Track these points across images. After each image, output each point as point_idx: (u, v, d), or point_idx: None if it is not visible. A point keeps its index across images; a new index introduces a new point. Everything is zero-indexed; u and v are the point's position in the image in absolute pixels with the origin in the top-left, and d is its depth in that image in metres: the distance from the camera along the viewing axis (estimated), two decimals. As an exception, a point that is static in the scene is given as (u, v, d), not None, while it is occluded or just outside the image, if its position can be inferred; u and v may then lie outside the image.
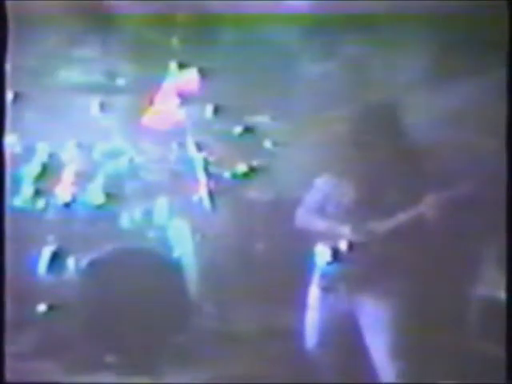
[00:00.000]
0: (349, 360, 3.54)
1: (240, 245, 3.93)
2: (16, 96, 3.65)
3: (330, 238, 3.54)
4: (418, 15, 3.67)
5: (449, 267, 3.47)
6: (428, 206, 3.48)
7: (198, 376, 3.64)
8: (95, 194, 3.93)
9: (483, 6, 3.54)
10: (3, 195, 3.39)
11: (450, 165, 3.55)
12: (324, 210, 3.60)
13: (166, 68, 4.01)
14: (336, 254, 3.53)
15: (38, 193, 3.86)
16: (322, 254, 3.57)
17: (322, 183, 3.64)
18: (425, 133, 3.61)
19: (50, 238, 3.82)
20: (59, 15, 3.85)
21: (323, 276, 3.58)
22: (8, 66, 3.03)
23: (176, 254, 3.98)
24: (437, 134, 3.62)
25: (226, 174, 3.89)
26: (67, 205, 3.91)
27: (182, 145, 3.97)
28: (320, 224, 3.60)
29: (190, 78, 4.00)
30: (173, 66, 3.99)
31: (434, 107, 3.67)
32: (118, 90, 4.11)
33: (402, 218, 3.49)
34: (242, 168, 3.86)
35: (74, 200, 3.92)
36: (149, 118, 4.11)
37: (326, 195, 3.61)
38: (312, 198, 3.65)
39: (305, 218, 3.65)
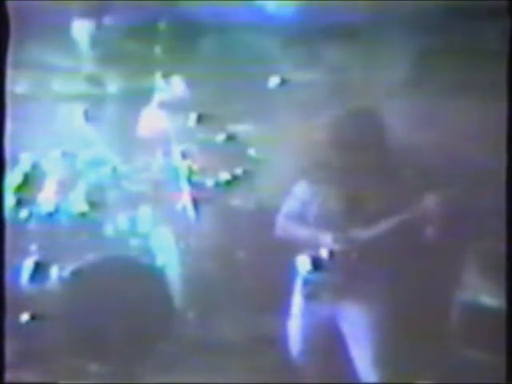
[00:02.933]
0: (333, 367, 3.55)
1: (224, 253, 3.93)
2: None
3: (312, 246, 3.56)
4: (404, 19, 3.69)
5: (432, 274, 3.48)
6: (411, 212, 3.50)
7: (181, 384, 3.65)
8: (78, 203, 3.93)
9: (482, 7, 3.57)
10: (2, 200, 3.39)
11: (432, 173, 3.57)
12: (306, 218, 3.61)
13: (149, 77, 4.01)
14: (318, 262, 3.54)
15: (20, 202, 3.86)
16: (303, 262, 3.59)
17: (303, 191, 3.66)
18: (407, 140, 3.62)
19: (33, 247, 3.82)
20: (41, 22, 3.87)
21: (306, 284, 3.60)
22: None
23: (160, 262, 3.98)
24: (419, 141, 3.63)
25: (210, 183, 3.89)
26: (50, 214, 3.90)
27: (165, 153, 3.97)
28: (302, 232, 3.62)
29: (173, 86, 4.00)
30: (156, 75, 3.99)
31: (418, 114, 3.68)
32: (102, 99, 4.11)
33: (384, 225, 3.51)
34: (225, 176, 3.86)
35: (56, 209, 3.92)
36: (133, 127, 4.12)
37: (307, 203, 3.62)
38: (293, 205, 3.67)
39: (286, 226, 3.67)
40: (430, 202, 3.49)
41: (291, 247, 3.64)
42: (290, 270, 3.64)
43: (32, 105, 3.93)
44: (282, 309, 3.66)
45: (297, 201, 3.65)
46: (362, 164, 3.56)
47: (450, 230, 3.51)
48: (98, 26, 4.10)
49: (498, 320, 3.39)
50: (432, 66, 3.66)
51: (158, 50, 3.99)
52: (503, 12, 3.50)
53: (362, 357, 3.51)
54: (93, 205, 3.93)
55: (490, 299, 3.55)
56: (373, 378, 3.50)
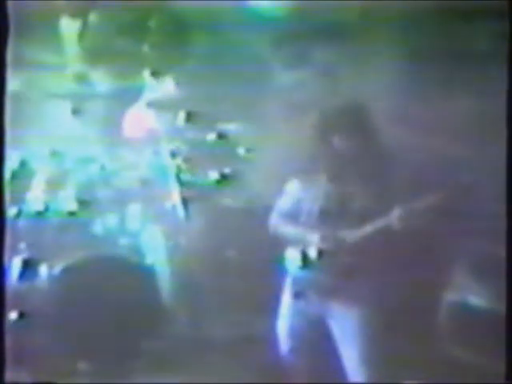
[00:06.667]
0: (322, 366, 3.55)
1: (213, 252, 3.93)
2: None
3: (301, 244, 3.57)
4: (402, 20, 3.69)
5: (422, 274, 3.49)
6: (399, 214, 3.50)
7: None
8: (67, 201, 3.92)
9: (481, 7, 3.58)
10: (3, 198, 3.37)
11: (421, 173, 3.57)
12: (295, 217, 3.61)
13: (138, 75, 4.01)
14: (307, 260, 3.54)
15: (9, 200, 3.85)
16: (292, 260, 3.59)
17: (294, 189, 3.66)
18: (397, 141, 3.63)
19: (22, 245, 3.81)
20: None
21: (295, 282, 3.60)
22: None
23: (149, 261, 3.98)
24: (409, 142, 3.64)
25: (199, 181, 3.89)
26: (39, 212, 3.89)
27: (154, 152, 3.97)
28: (291, 231, 3.62)
29: (162, 85, 4.00)
30: (145, 73, 3.99)
31: (408, 114, 3.68)
32: (91, 98, 4.10)
33: (373, 225, 3.51)
34: (214, 175, 3.86)
35: (45, 207, 3.91)
36: (122, 126, 4.11)
37: (297, 201, 3.63)
38: (283, 204, 3.67)
39: (276, 224, 3.67)
40: (424, 202, 3.49)
41: (282, 245, 3.64)
42: (279, 269, 3.64)
43: (21, 103, 3.91)
44: (271, 308, 3.66)
45: (287, 199, 3.66)
46: (352, 163, 3.56)
47: (443, 231, 3.51)
48: (87, 25, 4.09)
49: (489, 320, 3.41)
50: (431, 66, 3.67)
51: (147, 48, 3.99)
52: (502, 12, 3.51)
53: (351, 356, 3.51)
54: (82, 203, 3.92)
55: (481, 300, 3.56)
56: (361, 378, 3.50)
